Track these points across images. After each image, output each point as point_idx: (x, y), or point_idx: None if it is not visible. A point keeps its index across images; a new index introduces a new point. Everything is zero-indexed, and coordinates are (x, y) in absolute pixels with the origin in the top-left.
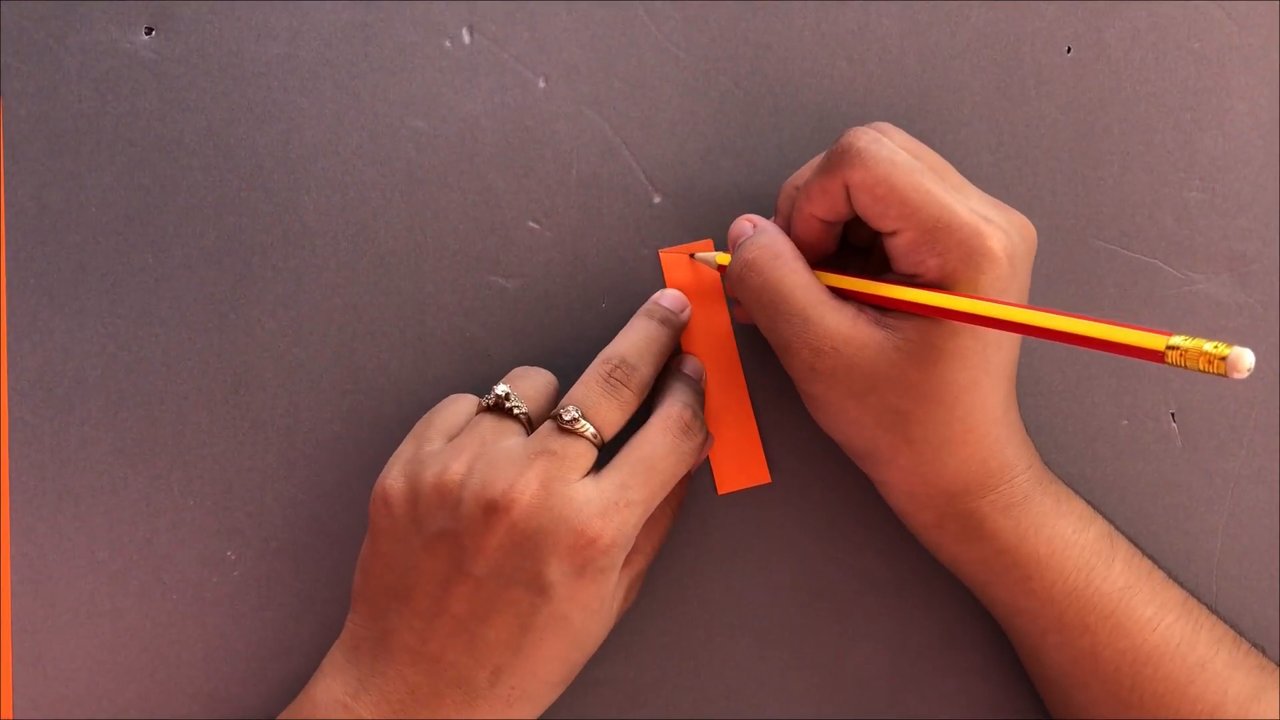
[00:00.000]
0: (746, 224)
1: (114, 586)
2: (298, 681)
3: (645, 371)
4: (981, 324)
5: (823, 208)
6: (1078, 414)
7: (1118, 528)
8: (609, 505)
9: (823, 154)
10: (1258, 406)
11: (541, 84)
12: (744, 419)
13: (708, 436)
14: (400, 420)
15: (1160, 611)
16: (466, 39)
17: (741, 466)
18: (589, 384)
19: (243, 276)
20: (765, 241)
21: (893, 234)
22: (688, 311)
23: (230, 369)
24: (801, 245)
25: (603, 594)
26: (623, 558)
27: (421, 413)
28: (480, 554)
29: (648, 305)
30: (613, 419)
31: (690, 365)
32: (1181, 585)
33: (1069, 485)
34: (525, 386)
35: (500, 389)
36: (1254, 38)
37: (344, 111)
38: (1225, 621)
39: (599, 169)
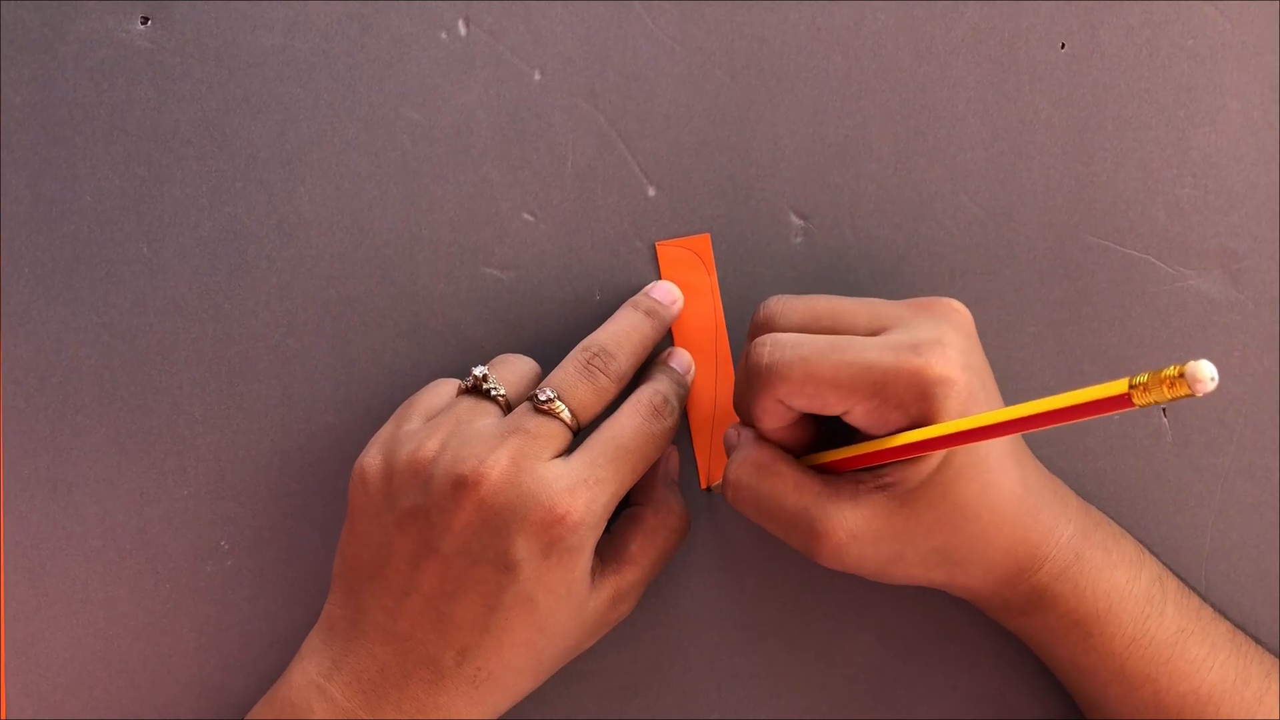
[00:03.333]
0: (732, 433)
1: (107, 576)
2: None
3: (624, 361)
4: (960, 442)
5: (775, 420)
6: None
7: (1166, 566)
8: (577, 482)
9: (741, 365)
10: (1248, 402)
11: (537, 76)
12: (731, 417)
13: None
14: (393, 410)
15: (1213, 651)
16: (462, 31)
17: (723, 462)
18: (566, 369)
19: (237, 267)
20: (743, 457)
21: (845, 413)
22: (679, 305)
23: (224, 359)
24: (783, 445)
25: (570, 579)
26: (592, 539)
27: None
28: (449, 530)
29: (636, 296)
30: (588, 403)
31: (676, 358)
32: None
33: (1063, 481)
34: (505, 371)
35: (479, 371)
36: (1247, 35)
37: (339, 102)
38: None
39: (594, 161)
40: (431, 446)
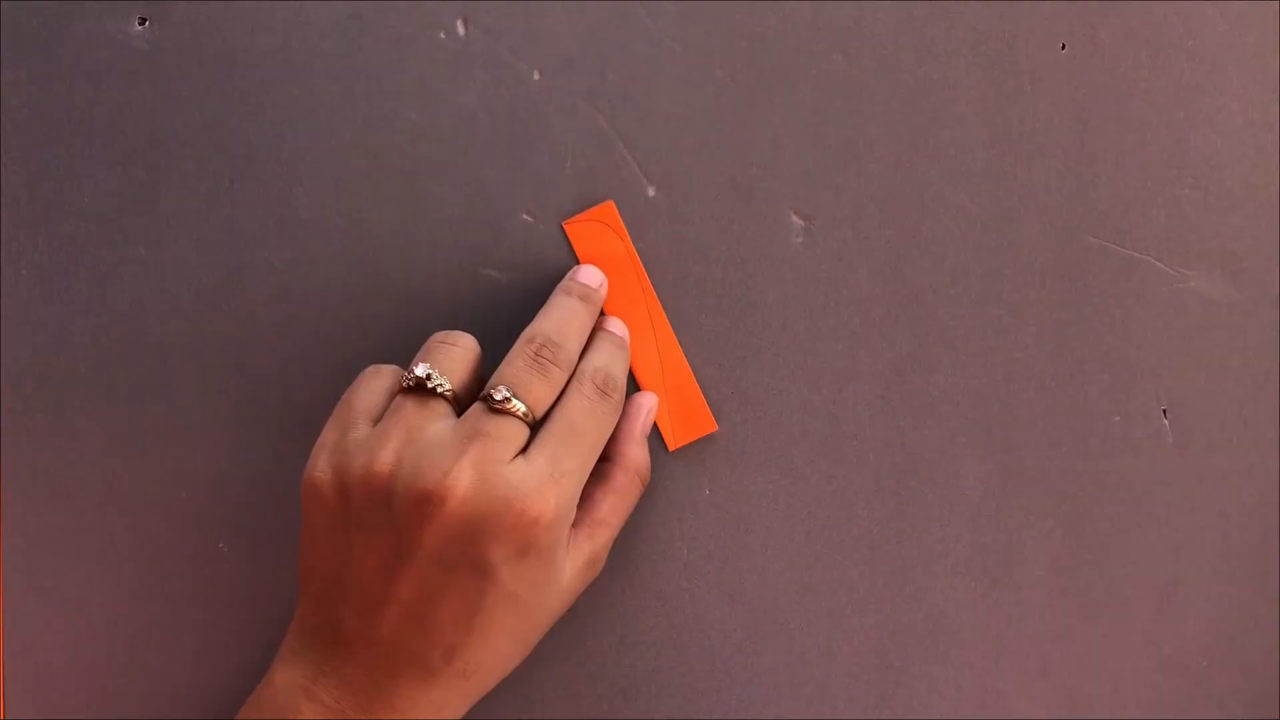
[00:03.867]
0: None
1: (106, 577)
2: None
3: (570, 348)
4: None
5: None
6: (1069, 409)
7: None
8: (543, 481)
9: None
10: (1249, 403)
11: (536, 76)
12: (680, 373)
13: (647, 397)
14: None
15: None
16: (461, 31)
17: (687, 420)
18: (516, 364)
19: (236, 268)
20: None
21: None
22: (605, 286)
23: (223, 360)
24: None
25: (550, 571)
26: (565, 530)
27: None
28: (419, 544)
29: (565, 282)
30: (543, 396)
31: (611, 323)
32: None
33: (1060, 482)
34: (446, 361)
35: (420, 370)
36: (1248, 37)
37: (337, 103)
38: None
39: (593, 162)
40: (386, 459)
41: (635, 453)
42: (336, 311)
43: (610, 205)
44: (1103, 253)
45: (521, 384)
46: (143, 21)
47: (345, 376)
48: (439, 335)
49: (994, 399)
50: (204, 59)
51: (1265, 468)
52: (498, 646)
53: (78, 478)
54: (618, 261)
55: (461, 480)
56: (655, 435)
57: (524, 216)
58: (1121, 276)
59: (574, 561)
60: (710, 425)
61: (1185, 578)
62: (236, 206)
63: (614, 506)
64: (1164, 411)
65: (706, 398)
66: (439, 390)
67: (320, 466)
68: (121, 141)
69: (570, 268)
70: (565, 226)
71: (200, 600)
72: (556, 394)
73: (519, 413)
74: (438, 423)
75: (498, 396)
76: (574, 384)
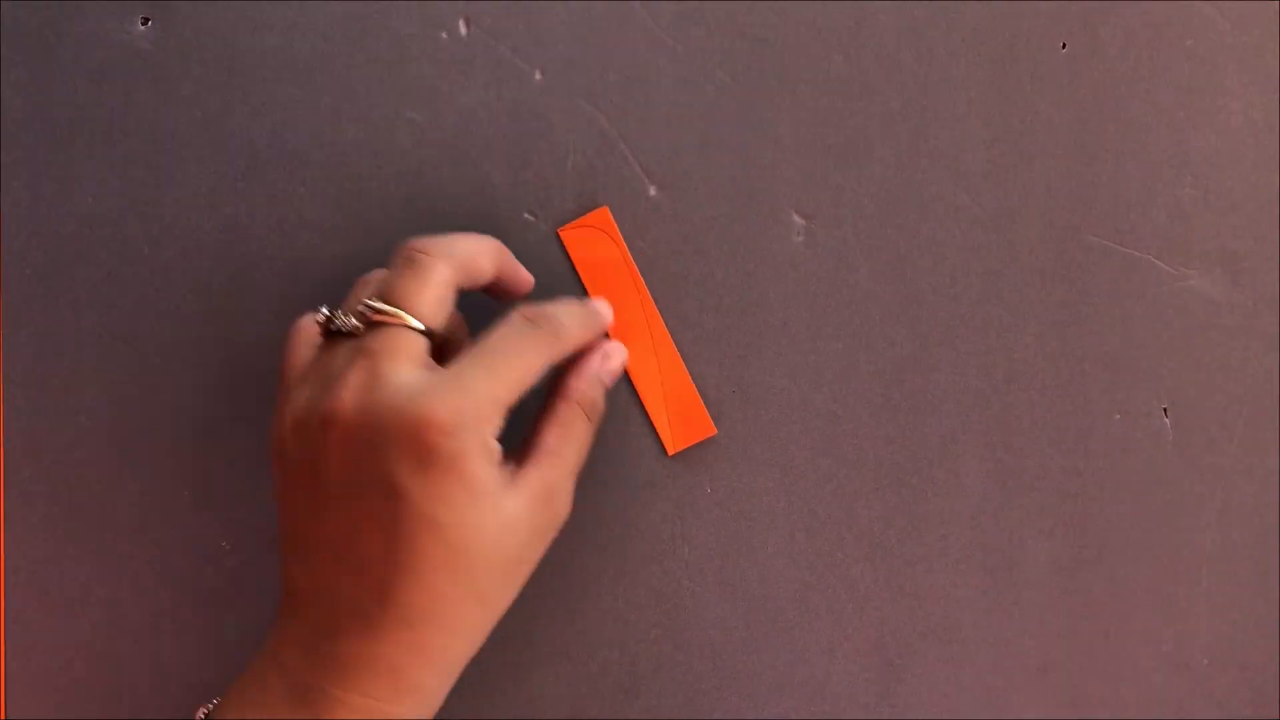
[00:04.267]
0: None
1: (109, 576)
2: None
3: (459, 246)
4: None
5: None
6: (1070, 408)
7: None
8: (439, 385)
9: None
10: (1249, 402)
11: (538, 76)
12: (678, 378)
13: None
14: None
15: None
16: (463, 31)
17: (685, 425)
18: (385, 271)
19: (238, 268)
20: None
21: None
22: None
23: (226, 360)
24: None
25: (469, 489)
26: (476, 441)
27: None
28: (329, 472)
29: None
30: (425, 297)
31: (597, 302)
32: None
33: (1060, 480)
34: (353, 297)
35: (323, 311)
36: (1248, 37)
37: (339, 103)
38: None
39: (595, 161)
40: (300, 401)
41: (580, 384)
42: None
43: (605, 211)
44: (1103, 252)
45: (390, 287)
46: (145, 21)
47: None
48: (407, 247)
49: (994, 398)
50: (206, 59)
51: (1265, 466)
52: (434, 585)
53: (80, 476)
54: (614, 268)
55: (346, 394)
56: (655, 440)
57: (525, 215)
58: (1122, 276)
59: (518, 492)
60: (709, 429)
61: (1185, 576)
62: (238, 206)
63: (560, 437)
64: (1164, 410)
65: (707, 397)
66: (344, 330)
67: (271, 433)
68: (123, 141)
69: (565, 276)
70: (561, 234)
71: (203, 599)
72: (442, 296)
73: (404, 320)
74: (338, 358)
75: (372, 306)
76: (504, 317)
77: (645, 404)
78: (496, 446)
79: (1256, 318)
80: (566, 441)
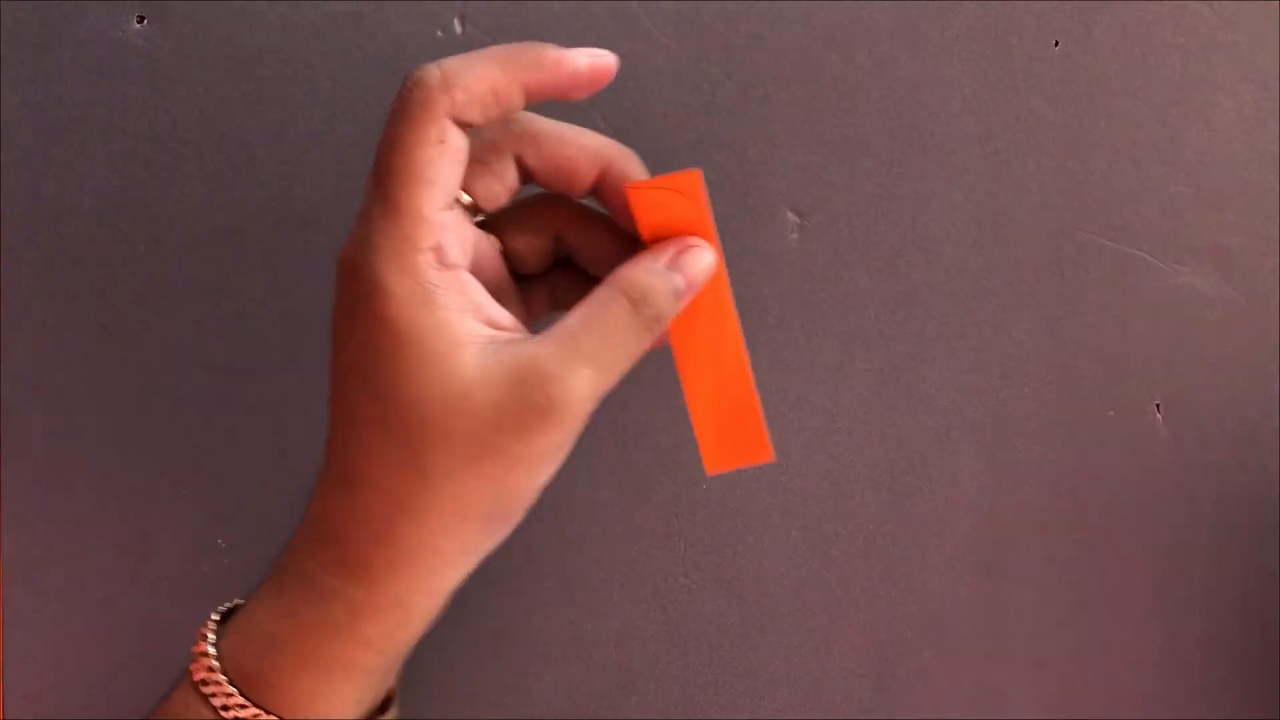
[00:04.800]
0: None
1: (105, 574)
2: None
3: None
4: None
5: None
6: (1063, 404)
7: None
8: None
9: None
10: (1242, 398)
11: None
12: (741, 385)
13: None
14: None
15: None
16: (458, 30)
17: (737, 443)
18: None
19: (235, 266)
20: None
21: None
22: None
23: (223, 358)
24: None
25: (397, 333)
26: (389, 284)
27: None
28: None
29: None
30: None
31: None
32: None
33: (1054, 476)
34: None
35: None
36: (1240, 34)
37: (336, 101)
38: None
39: None
40: None
41: (634, 272)
42: None
43: (698, 175)
44: (1096, 248)
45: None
46: (141, 20)
47: None
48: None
49: (988, 394)
50: (203, 58)
51: (1259, 461)
52: (362, 440)
53: (77, 474)
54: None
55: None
56: (655, 439)
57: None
58: (1115, 272)
59: (489, 361)
60: (766, 454)
61: (1180, 572)
62: (235, 204)
63: (584, 319)
64: (1157, 406)
65: None
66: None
67: None
68: (121, 140)
69: None
70: (630, 192)
71: (199, 596)
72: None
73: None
74: None
75: None
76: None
77: (692, 407)
78: (478, 303)
79: (1249, 313)
80: (590, 327)
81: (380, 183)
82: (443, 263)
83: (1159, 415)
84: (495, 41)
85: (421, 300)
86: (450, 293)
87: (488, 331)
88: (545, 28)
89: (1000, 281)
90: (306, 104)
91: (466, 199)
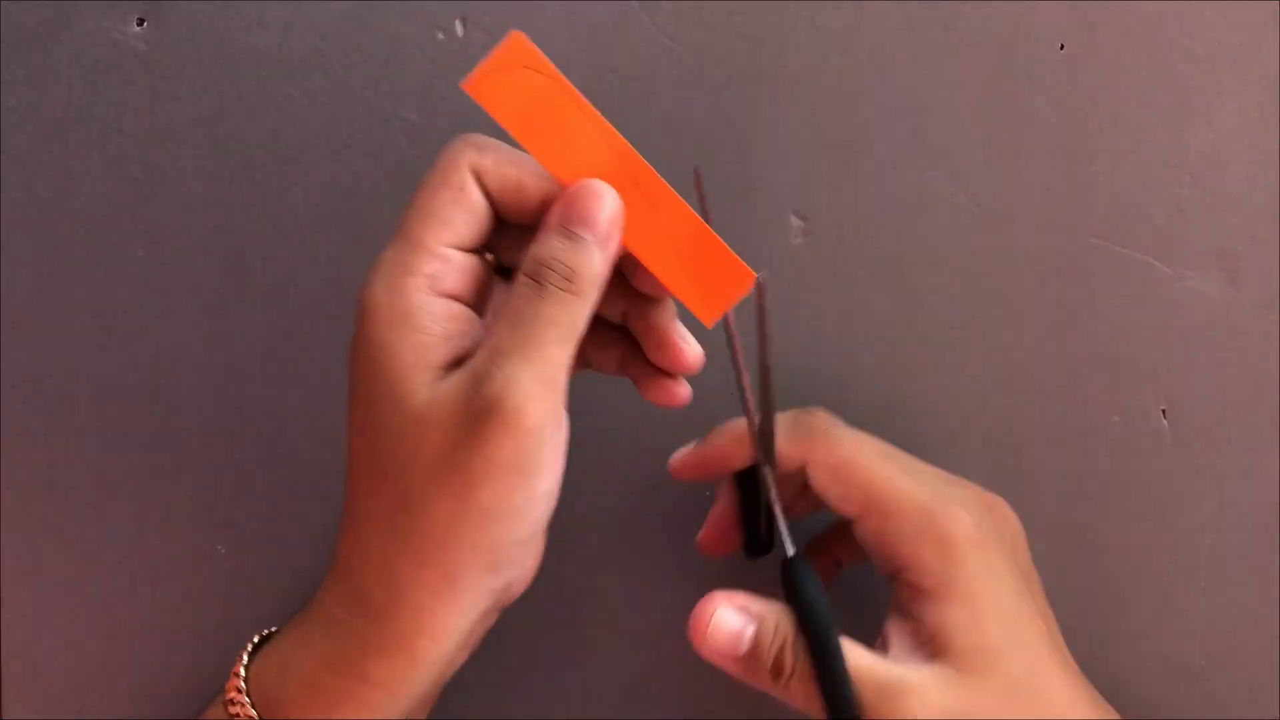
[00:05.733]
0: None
1: (104, 578)
2: None
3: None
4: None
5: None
6: (1069, 410)
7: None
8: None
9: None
10: (1247, 402)
11: None
12: (684, 223)
13: None
14: None
15: None
16: (459, 31)
17: (716, 281)
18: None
19: (233, 268)
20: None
21: (856, 522)
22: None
23: (221, 360)
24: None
25: (372, 362)
26: (387, 323)
27: None
28: None
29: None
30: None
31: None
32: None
33: (1059, 482)
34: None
35: None
36: (1245, 36)
37: (335, 103)
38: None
39: None
40: None
41: (532, 249)
42: (334, 312)
43: (518, 37)
44: (1101, 252)
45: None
46: (141, 22)
47: (343, 377)
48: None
49: (993, 399)
50: (202, 59)
51: (1264, 466)
52: (357, 478)
53: (76, 477)
54: (556, 109)
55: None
56: (654, 439)
57: None
58: (1120, 276)
59: (441, 386)
60: (746, 276)
61: (1184, 577)
62: (234, 206)
63: (503, 317)
64: (1163, 411)
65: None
66: None
67: None
68: (119, 141)
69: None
70: (467, 88)
71: (198, 601)
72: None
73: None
74: None
75: None
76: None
77: (656, 272)
78: (465, 331)
79: (1254, 318)
80: (507, 317)
81: (401, 219)
82: (434, 289)
83: (1164, 420)
84: (496, 43)
85: (400, 320)
86: (434, 318)
87: (463, 357)
88: (546, 30)
89: (1004, 286)
90: (305, 106)
91: (489, 257)
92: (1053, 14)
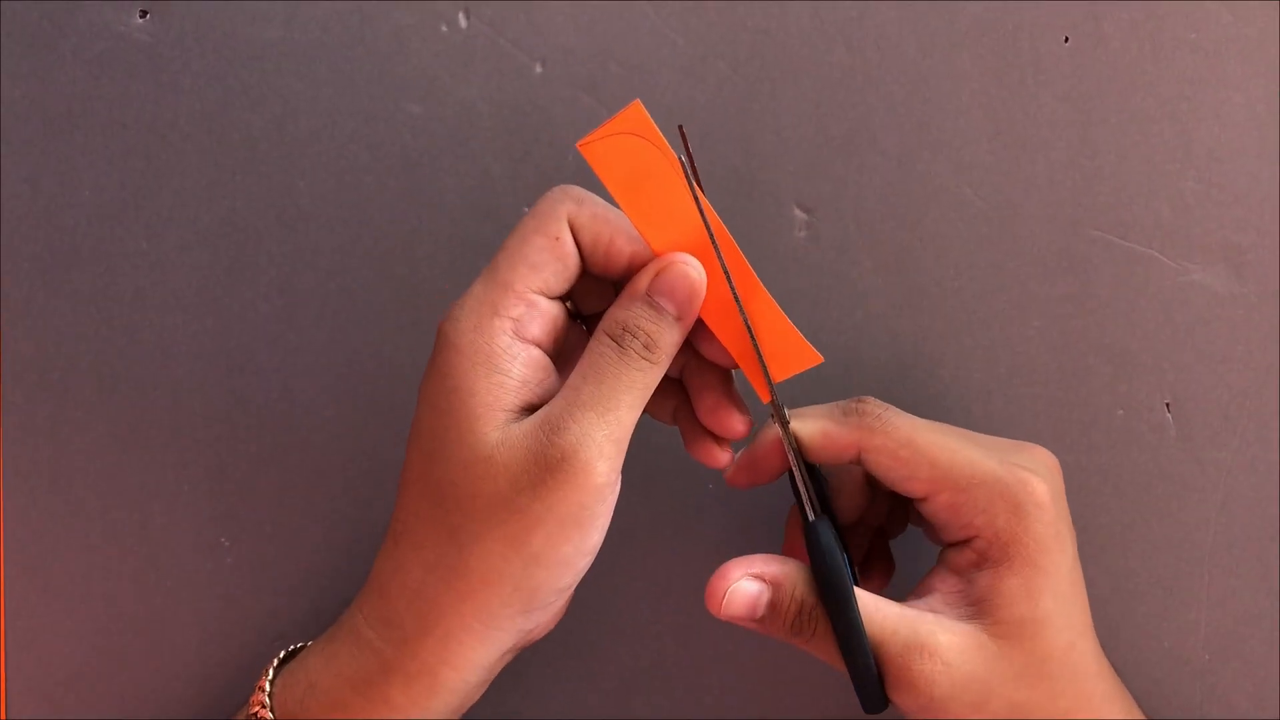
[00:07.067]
0: (745, 586)
1: (108, 572)
2: None
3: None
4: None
5: (851, 498)
6: (1073, 403)
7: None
8: (461, 304)
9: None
10: (1252, 397)
11: (538, 68)
12: (764, 308)
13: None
14: (394, 405)
15: None
16: (463, 23)
17: (784, 360)
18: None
19: (237, 260)
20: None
21: (924, 500)
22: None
23: (224, 353)
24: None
25: (444, 384)
26: (464, 372)
27: (414, 398)
28: None
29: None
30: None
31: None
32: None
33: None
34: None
35: None
36: (1251, 30)
37: (339, 95)
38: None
39: None
40: None
41: (614, 311)
42: (337, 304)
43: (638, 106)
44: (1106, 246)
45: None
46: (144, 14)
47: (346, 369)
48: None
49: (997, 392)
50: (205, 52)
51: (1268, 461)
52: (408, 502)
53: (79, 470)
54: (660, 180)
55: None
56: (653, 437)
57: (526, 209)
58: (1124, 270)
59: (512, 430)
60: (813, 358)
61: (1187, 571)
62: (237, 199)
63: (580, 374)
64: (1167, 405)
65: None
66: None
67: None
68: (122, 134)
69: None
70: (582, 150)
71: (202, 594)
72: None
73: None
74: None
75: None
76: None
77: (728, 346)
78: (543, 379)
79: (1259, 312)
80: (585, 374)
81: (492, 261)
82: (520, 335)
83: (1169, 414)
84: (500, 36)
85: (484, 360)
86: (516, 362)
87: (535, 404)
88: (549, 21)
89: (1008, 279)
90: (309, 98)
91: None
92: (1058, 7)
